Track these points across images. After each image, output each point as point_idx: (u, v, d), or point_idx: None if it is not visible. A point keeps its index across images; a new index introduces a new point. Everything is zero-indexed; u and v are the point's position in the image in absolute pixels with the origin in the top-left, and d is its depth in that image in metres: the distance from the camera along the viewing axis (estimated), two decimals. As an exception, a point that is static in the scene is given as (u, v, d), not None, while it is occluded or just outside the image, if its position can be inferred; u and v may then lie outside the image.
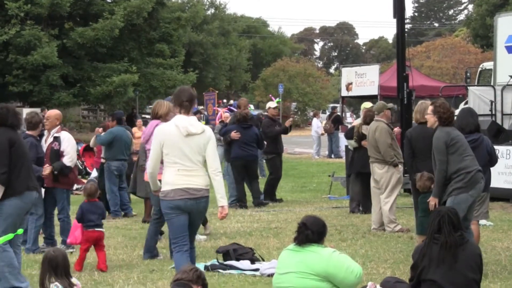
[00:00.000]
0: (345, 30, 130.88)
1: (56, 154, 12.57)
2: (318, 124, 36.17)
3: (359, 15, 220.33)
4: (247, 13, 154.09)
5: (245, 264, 10.70)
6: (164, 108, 11.76)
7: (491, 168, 10.99)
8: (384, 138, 14.03)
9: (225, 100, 55.92)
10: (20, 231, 9.01)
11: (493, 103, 19.80)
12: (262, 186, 18.77)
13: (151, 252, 11.78)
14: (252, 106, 39.40)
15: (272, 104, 19.79)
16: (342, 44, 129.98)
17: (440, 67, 54.86)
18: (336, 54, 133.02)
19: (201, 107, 43.43)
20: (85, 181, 21.44)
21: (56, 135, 12.70)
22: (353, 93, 32.27)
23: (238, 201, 17.69)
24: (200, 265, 10.32)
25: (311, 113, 51.69)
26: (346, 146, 20.07)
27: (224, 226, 14.79)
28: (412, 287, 7.68)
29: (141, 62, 42.49)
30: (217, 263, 10.84)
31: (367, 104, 16.52)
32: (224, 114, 27.96)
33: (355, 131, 16.08)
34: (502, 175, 16.80)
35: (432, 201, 9.75)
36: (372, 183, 14.41)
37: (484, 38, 55.64)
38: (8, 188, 8.87)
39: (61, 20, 40.36)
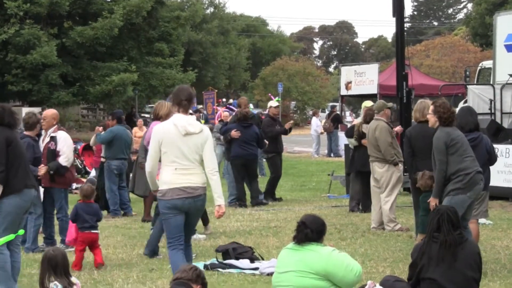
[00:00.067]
0: (345, 29, 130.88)
1: (53, 154, 12.57)
2: (317, 123, 36.16)
3: (359, 14, 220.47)
4: (246, 12, 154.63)
5: (244, 263, 10.70)
6: (165, 109, 11.79)
7: (491, 167, 10.98)
8: (385, 136, 14.03)
9: (224, 99, 55.94)
10: (21, 231, 9.01)
11: (493, 102, 19.80)
12: (262, 185, 18.77)
13: (153, 248, 11.77)
14: (251, 105, 39.38)
15: (273, 103, 19.78)
16: (342, 43, 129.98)
17: (439, 66, 54.84)
18: (335, 53, 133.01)
19: (200, 106, 43.44)
20: (84, 180, 21.45)
21: (52, 134, 12.70)
22: (352, 92, 32.31)
23: (237, 200, 17.68)
24: (200, 264, 10.33)
25: (311, 112, 51.63)
26: (346, 145, 20.07)
27: (223, 225, 14.80)
28: (412, 286, 7.69)
29: (140, 61, 42.49)
30: (216, 262, 10.85)
31: (367, 103, 16.51)
32: (223, 113, 27.98)
33: (355, 130, 16.08)
34: (502, 174, 16.81)
35: (433, 201, 9.75)
36: (372, 182, 14.41)
37: (484, 37, 55.67)
38: (6, 187, 8.87)
39: (60, 19, 40.35)
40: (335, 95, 61.38)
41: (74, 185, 19.93)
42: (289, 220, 15.06)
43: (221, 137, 19.39)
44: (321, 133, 35.61)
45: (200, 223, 13.81)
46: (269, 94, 50.33)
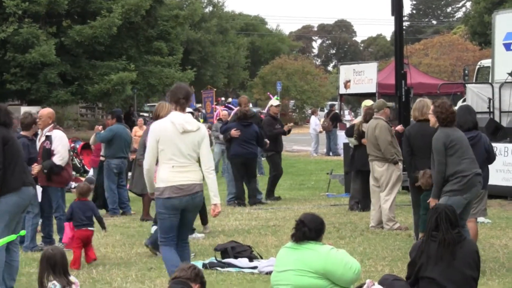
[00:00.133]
0: (343, 27, 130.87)
1: (48, 153, 12.57)
2: (316, 122, 36.17)
3: (357, 13, 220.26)
4: (245, 11, 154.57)
5: (243, 262, 10.71)
6: (166, 110, 11.79)
7: (489, 166, 10.99)
8: (385, 135, 14.03)
9: (223, 98, 55.93)
10: (22, 232, 9.02)
11: (491, 101, 19.82)
12: (261, 184, 18.75)
13: (155, 240, 11.76)
14: (250, 104, 39.39)
15: (274, 102, 19.76)
16: (340, 42, 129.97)
17: (438, 65, 54.84)
18: (334, 51, 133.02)
19: (199, 105, 43.45)
20: (83, 179, 21.46)
21: (47, 134, 12.69)
22: (351, 90, 32.35)
23: (236, 198, 17.67)
24: (198, 263, 10.33)
25: (309, 111, 51.59)
26: (344, 144, 20.07)
27: (222, 224, 14.80)
28: (410, 284, 7.69)
29: (139, 60, 42.46)
30: (215, 261, 10.85)
31: (367, 102, 16.51)
32: (222, 112, 27.97)
33: (355, 129, 16.08)
34: (500, 173, 16.81)
35: (432, 202, 9.74)
36: (372, 181, 14.40)
37: (482, 36, 55.67)
38: (4, 186, 8.87)
39: (59, 18, 40.33)
40: (334, 94, 61.38)
41: (73, 184, 19.93)
42: (288, 219, 15.06)
43: (220, 136, 19.39)
44: (320, 132, 35.62)
45: (199, 222, 13.83)
46: (268, 93, 50.23)
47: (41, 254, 7.31)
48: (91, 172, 21.34)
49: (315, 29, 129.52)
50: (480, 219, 12.77)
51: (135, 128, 27.66)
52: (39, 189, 12.63)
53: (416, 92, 24.62)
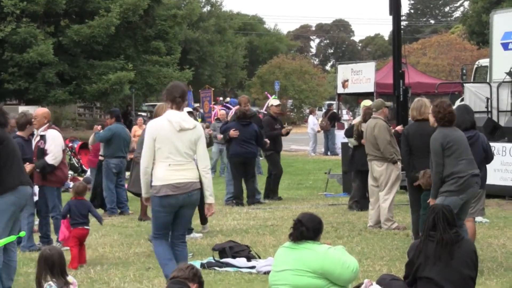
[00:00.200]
0: (341, 27, 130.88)
1: (42, 153, 12.56)
2: (314, 121, 36.18)
3: (355, 12, 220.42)
4: (243, 11, 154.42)
5: (241, 261, 10.70)
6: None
7: (487, 165, 10.99)
8: (384, 135, 14.03)
9: (221, 98, 55.93)
10: (22, 233, 9.02)
11: (489, 100, 19.84)
12: (259, 184, 18.72)
13: None
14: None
15: (275, 101, 19.74)
16: (338, 41, 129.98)
17: (436, 64, 54.89)
18: (332, 51, 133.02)
19: (197, 105, 43.45)
20: (81, 178, 21.46)
21: (42, 133, 12.67)
22: (349, 90, 32.38)
23: (234, 198, 17.66)
24: (196, 263, 10.32)
25: (307, 110, 51.67)
26: (342, 143, 20.07)
27: (220, 223, 14.80)
28: (408, 284, 7.69)
29: (137, 60, 42.46)
30: (213, 260, 10.85)
31: (366, 102, 16.51)
32: (219, 111, 27.98)
33: (354, 129, 16.09)
34: (498, 172, 16.81)
35: (432, 202, 9.75)
36: (370, 181, 14.40)
37: (480, 35, 55.65)
38: (0, 186, 8.87)
39: (57, 18, 40.32)
40: (332, 93, 61.50)
41: (71, 184, 19.90)
42: (286, 218, 15.06)
43: (217, 135, 19.38)
44: (318, 131, 35.63)
45: (197, 222, 13.83)
46: (266, 93, 50.28)
47: (38, 254, 7.30)
48: (89, 172, 21.33)
49: (313, 28, 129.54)
50: (478, 218, 12.76)
51: (135, 128, 27.67)
52: (36, 189, 12.64)
53: (414, 92, 24.63)
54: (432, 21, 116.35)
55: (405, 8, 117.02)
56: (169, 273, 8.68)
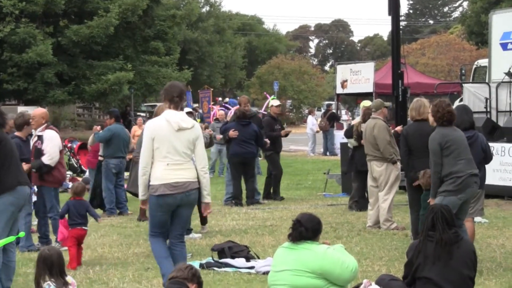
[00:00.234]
0: (340, 27, 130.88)
1: (39, 153, 12.56)
2: (313, 122, 36.19)
3: (354, 13, 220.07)
4: (242, 11, 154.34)
5: (240, 262, 10.70)
6: None
7: (486, 166, 10.99)
8: (383, 135, 14.02)
9: (220, 98, 55.92)
10: (21, 234, 9.01)
11: (488, 100, 19.83)
12: (258, 184, 18.72)
13: None
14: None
15: (275, 102, 19.74)
16: (337, 42, 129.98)
17: (435, 64, 54.91)
18: (331, 51, 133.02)
19: (196, 105, 43.43)
20: (80, 179, 21.45)
21: (39, 133, 12.67)
22: (348, 90, 32.37)
23: (233, 198, 17.65)
24: (195, 263, 10.32)
25: (306, 111, 51.68)
26: (341, 144, 20.07)
27: (219, 224, 14.80)
28: (407, 284, 7.68)
29: (136, 60, 42.50)
30: (212, 261, 10.84)
31: (366, 103, 16.50)
32: (218, 111, 27.97)
33: (354, 129, 16.08)
34: (497, 172, 16.81)
35: (432, 201, 9.77)
36: (370, 182, 14.39)
37: (479, 35, 55.68)
38: (-2, 186, 8.88)
39: (56, 18, 40.35)
40: (331, 93, 61.44)
41: (70, 184, 19.90)
42: (285, 219, 15.06)
43: (216, 136, 19.36)
44: (317, 131, 35.63)
45: (196, 222, 13.83)
46: (265, 93, 50.28)
47: (37, 255, 7.30)
48: (87, 172, 21.32)
49: (312, 28, 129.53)
50: (477, 218, 12.77)
51: (134, 128, 27.67)
52: (35, 189, 12.65)
53: (413, 92, 24.64)
54: (431, 21, 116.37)
55: (404, 8, 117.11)
56: (165, 271, 8.78)
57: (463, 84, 21.82)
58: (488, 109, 19.75)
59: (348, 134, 16.69)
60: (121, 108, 45.80)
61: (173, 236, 9.17)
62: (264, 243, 12.53)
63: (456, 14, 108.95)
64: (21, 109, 24.35)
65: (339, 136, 30.76)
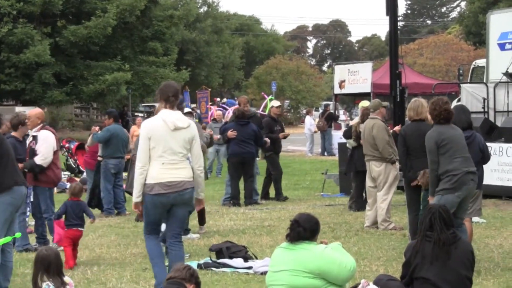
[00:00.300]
0: (338, 27, 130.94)
1: (33, 153, 12.55)
2: (311, 122, 36.17)
3: (352, 13, 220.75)
4: (240, 11, 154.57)
5: (238, 262, 10.70)
6: None
7: (484, 166, 10.99)
8: (382, 135, 14.02)
9: (218, 99, 55.91)
10: (18, 234, 9.00)
11: (486, 100, 19.84)
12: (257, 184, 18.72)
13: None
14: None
15: (275, 103, 19.74)
16: (335, 42, 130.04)
17: (433, 65, 54.93)
18: (329, 51, 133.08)
19: (193, 105, 43.39)
20: (77, 179, 21.43)
21: (34, 134, 12.66)
22: (346, 90, 32.37)
23: (231, 198, 17.63)
24: (193, 263, 10.32)
25: (304, 111, 51.67)
26: (339, 144, 20.07)
27: (217, 224, 14.79)
28: (405, 284, 7.68)
29: (134, 60, 42.51)
30: (210, 261, 10.84)
31: (365, 103, 16.51)
32: (216, 112, 27.95)
33: (353, 130, 16.09)
34: (495, 172, 16.82)
35: (431, 200, 9.78)
36: (368, 182, 14.39)
37: (477, 36, 55.76)
38: (-5, 186, 8.88)
39: (53, 18, 40.35)
40: (329, 93, 61.41)
41: (68, 184, 19.90)
42: (283, 219, 15.05)
43: (214, 135, 19.35)
44: (315, 132, 35.62)
45: (194, 222, 13.82)
46: (262, 93, 50.28)
47: (35, 255, 7.30)
48: (85, 173, 21.30)
49: (310, 29, 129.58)
50: (475, 219, 12.78)
51: (133, 127, 27.62)
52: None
53: (411, 92, 24.65)
54: (429, 22, 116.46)
55: (401, 9, 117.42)
56: (157, 271, 8.94)
57: (461, 84, 21.83)
58: (486, 109, 19.76)
59: (347, 135, 16.69)
60: (119, 108, 45.80)
61: (170, 235, 9.18)
62: (262, 243, 12.53)
63: (454, 14, 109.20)
64: (18, 109, 24.32)
65: (337, 136, 30.77)
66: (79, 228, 11.39)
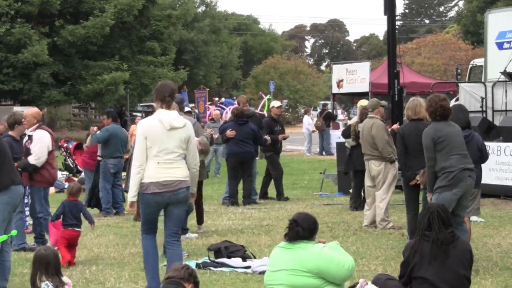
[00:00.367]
0: (336, 27, 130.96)
1: (28, 153, 12.55)
2: (309, 121, 36.17)
3: (350, 12, 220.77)
4: (238, 11, 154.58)
5: (236, 261, 10.70)
6: None
7: (482, 165, 11.00)
8: (382, 134, 14.01)
9: (217, 98, 55.90)
10: (14, 232, 9.00)
11: (484, 100, 19.85)
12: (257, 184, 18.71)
13: None
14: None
15: (276, 103, 19.72)
16: (333, 41, 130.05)
17: (431, 64, 54.94)
18: (327, 51, 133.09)
19: (192, 105, 43.40)
20: (76, 179, 21.42)
21: (29, 133, 12.65)
22: (344, 90, 32.41)
23: (230, 198, 17.62)
24: (192, 263, 10.32)
25: (302, 110, 51.63)
26: (337, 143, 20.06)
27: (215, 223, 14.79)
28: (403, 284, 7.68)
29: (132, 60, 42.49)
30: (208, 260, 10.84)
31: (363, 102, 16.49)
32: (214, 111, 27.94)
33: (351, 130, 16.08)
34: (493, 172, 16.82)
35: (429, 197, 9.80)
36: (367, 182, 14.38)
37: (475, 35, 55.76)
38: (-8, 185, 8.87)
39: (51, 18, 40.34)
40: (327, 93, 61.45)
41: (67, 184, 19.89)
42: (281, 218, 15.05)
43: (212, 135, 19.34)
44: (313, 131, 35.61)
45: (193, 222, 13.82)
46: (260, 93, 50.27)
47: (33, 255, 7.30)
48: (83, 173, 21.29)
49: (308, 28, 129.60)
50: (473, 218, 12.78)
51: (133, 127, 27.56)
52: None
53: (409, 92, 24.68)
54: (427, 21, 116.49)
55: (399, 8, 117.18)
56: (149, 268, 9.08)
57: (459, 84, 21.85)
58: (484, 109, 19.77)
59: (345, 134, 16.69)
60: (117, 108, 45.81)
61: (168, 234, 9.20)
62: (260, 242, 12.53)
63: (452, 13, 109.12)
64: (16, 109, 24.29)
65: (335, 136, 30.76)
66: (76, 229, 11.36)
